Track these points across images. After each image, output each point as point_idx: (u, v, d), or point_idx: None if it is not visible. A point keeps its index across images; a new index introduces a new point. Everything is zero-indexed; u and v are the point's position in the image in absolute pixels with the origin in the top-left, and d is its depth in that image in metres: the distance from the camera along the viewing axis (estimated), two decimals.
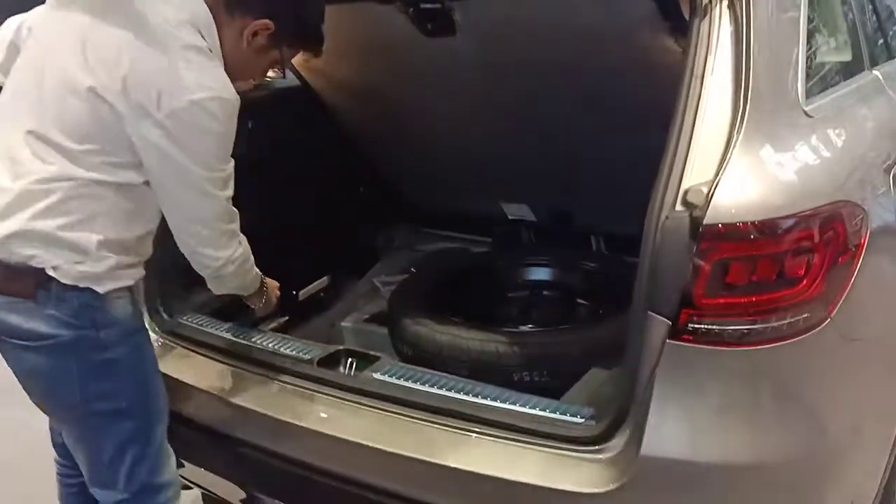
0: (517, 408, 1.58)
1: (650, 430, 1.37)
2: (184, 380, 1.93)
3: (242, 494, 1.96)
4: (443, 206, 2.98)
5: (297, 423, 1.73)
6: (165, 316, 2.13)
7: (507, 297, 2.57)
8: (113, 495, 1.73)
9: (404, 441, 1.61)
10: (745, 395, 1.39)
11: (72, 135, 1.55)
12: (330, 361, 1.88)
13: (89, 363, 1.62)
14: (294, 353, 1.91)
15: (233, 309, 2.13)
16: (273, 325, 2.29)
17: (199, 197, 1.61)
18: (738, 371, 1.38)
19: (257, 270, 1.95)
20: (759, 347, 1.35)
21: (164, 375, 1.86)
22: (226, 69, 1.62)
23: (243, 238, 1.79)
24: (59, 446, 1.97)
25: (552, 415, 1.55)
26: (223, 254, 1.72)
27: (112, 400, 1.66)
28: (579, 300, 2.50)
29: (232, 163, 1.64)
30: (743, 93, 1.40)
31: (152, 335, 2.05)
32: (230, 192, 1.66)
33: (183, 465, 1.92)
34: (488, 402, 1.62)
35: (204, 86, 1.53)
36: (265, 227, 2.34)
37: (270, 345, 1.97)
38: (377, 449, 1.61)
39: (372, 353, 1.92)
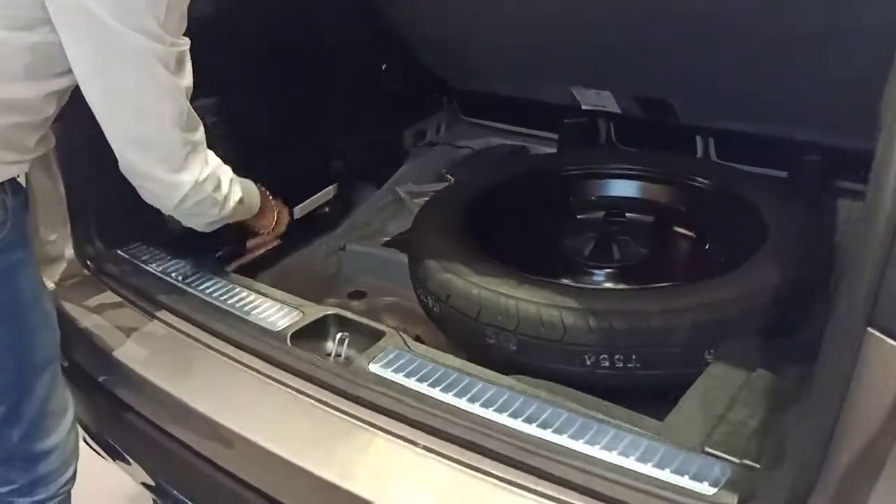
0: (596, 452, 0.98)
1: None
2: (94, 336, 1.41)
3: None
4: (492, 88, 2.29)
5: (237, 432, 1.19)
6: (99, 244, 1.59)
7: (576, 221, 1.91)
8: None
9: None
10: None
11: None
12: (310, 335, 1.31)
13: None
14: (260, 315, 1.34)
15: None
16: (250, 256, 1.73)
17: (145, 81, 1.18)
18: None
19: (250, 186, 1.53)
20: None
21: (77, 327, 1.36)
22: None
23: (212, 154, 1.36)
24: None
25: (656, 471, 0.95)
26: (184, 177, 1.28)
27: None
28: (680, 230, 1.84)
29: (187, 42, 1.23)
30: None
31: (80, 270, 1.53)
32: (188, 82, 1.25)
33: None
34: (550, 435, 1.03)
35: None
36: (246, 119, 1.75)
37: (229, 300, 1.40)
38: None
39: (375, 324, 1.34)
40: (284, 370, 1.23)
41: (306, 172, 1.90)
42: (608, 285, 1.68)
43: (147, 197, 1.31)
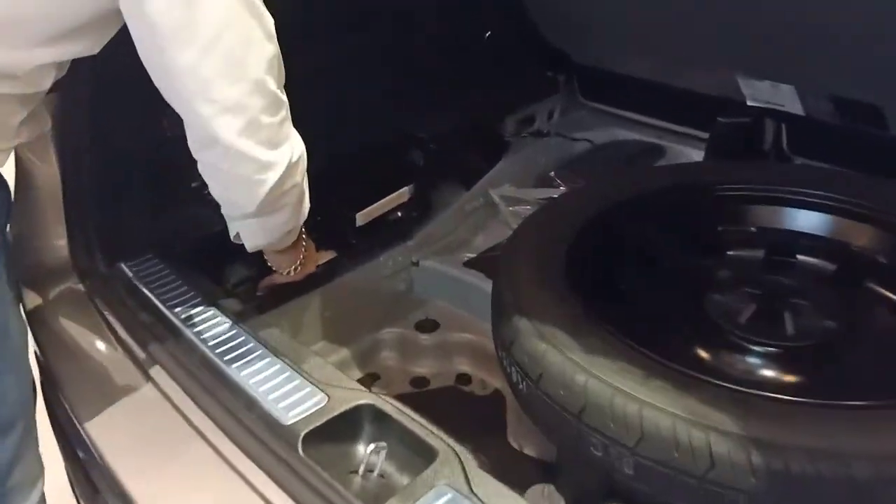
0: None
1: None
2: (66, 386, 1.09)
3: None
4: (625, 67, 1.81)
5: None
6: (99, 255, 1.26)
7: (726, 261, 1.40)
8: None
9: None
10: None
11: None
12: (334, 434, 0.93)
13: None
14: (269, 396, 0.97)
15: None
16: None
17: (238, 8, 0.94)
18: None
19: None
20: None
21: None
22: None
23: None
24: None
25: None
26: (280, 154, 1.03)
27: None
28: (881, 290, 1.30)
29: None
30: None
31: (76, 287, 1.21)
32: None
33: None
34: None
35: None
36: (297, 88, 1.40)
37: (236, 361, 1.04)
38: None
39: (426, 435, 0.94)
40: (288, 491, 0.86)
41: (374, 167, 1.51)
42: (779, 380, 1.16)
43: (225, 188, 1.05)
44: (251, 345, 1.07)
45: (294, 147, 1.05)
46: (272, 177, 1.00)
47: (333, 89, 1.42)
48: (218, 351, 1.05)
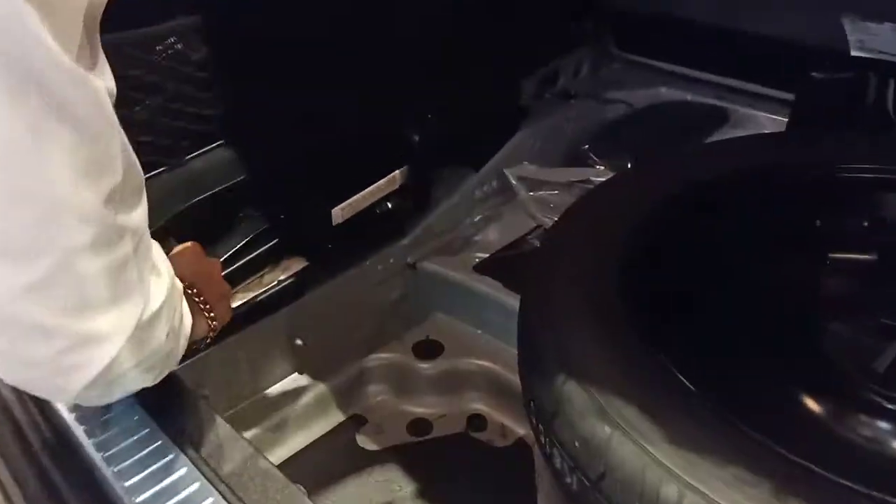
0: None
1: None
2: None
3: None
4: (671, 7, 1.44)
5: None
6: None
7: (833, 271, 1.04)
8: None
9: None
10: None
11: None
12: None
13: None
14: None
15: None
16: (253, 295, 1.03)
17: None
18: None
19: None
20: None
21: None
22: None
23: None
24: None
25: None
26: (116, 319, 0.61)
27: None
28: None
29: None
30: None
31: None
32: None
33: None
34: None
35: None
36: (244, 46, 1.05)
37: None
38: None
39: None
40: None
41: (357, 147, 1.15)
42: None
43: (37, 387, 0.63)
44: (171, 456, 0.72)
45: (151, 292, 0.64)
46: (101, 355, 0.60)
47: (300, 51, 1.06)
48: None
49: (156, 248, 0.70)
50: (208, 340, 0.88)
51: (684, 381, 0.79)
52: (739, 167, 1.10)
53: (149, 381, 0.69)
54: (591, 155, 1.37)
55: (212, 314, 0.85)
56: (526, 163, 1.38)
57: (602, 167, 1.36)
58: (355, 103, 1.11)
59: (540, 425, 0.83)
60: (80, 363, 0.59)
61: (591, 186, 1.29)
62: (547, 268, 0.95)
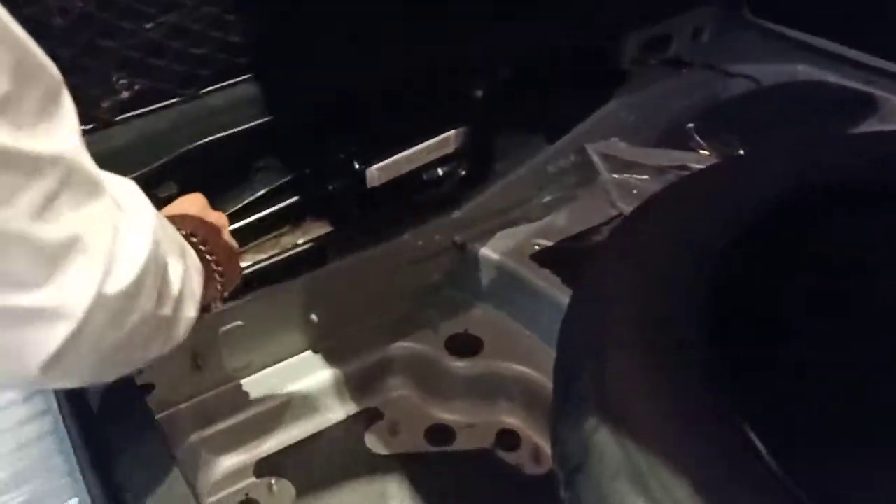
0: None
1: None
2: None
3: None
4: None
5: None
6: None
7: None
8: None
9: None
10: None
11: None
12: None
13: None
14: None
15: None
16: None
17: None
18: None
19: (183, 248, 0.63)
20: None
21: None
22: None
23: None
24: None
25: None
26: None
27: None
28: None
29: None
30: None
31: None
32: None
33: None
34: None
35: None
36: None
37: None
38: None
39: None
40: None
41: (403, 95, 0.97)
42: None
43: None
44: None
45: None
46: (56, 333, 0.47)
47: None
48: None
49: (125, 186, 0.56)
50: (217, 305, 0.75)
51: (767, 456, 0.59)
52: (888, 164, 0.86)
53: (151, 353, 0.57)
54: (696, 136, 1.13)
55: (222, 275, 0.72)
56: (615, 139, 1.16)
57: (706, 152, 1.13)
58: (405, 40, 0.94)
59: (561, 473, 0.65)
60: (29, 345, 0.46)
61: (686, 173, 1.08)
62: (603, 271, 0.76)
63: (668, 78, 1.25)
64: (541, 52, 1.08)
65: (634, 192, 1.11)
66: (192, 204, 0.77)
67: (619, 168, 1.15)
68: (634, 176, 1.13)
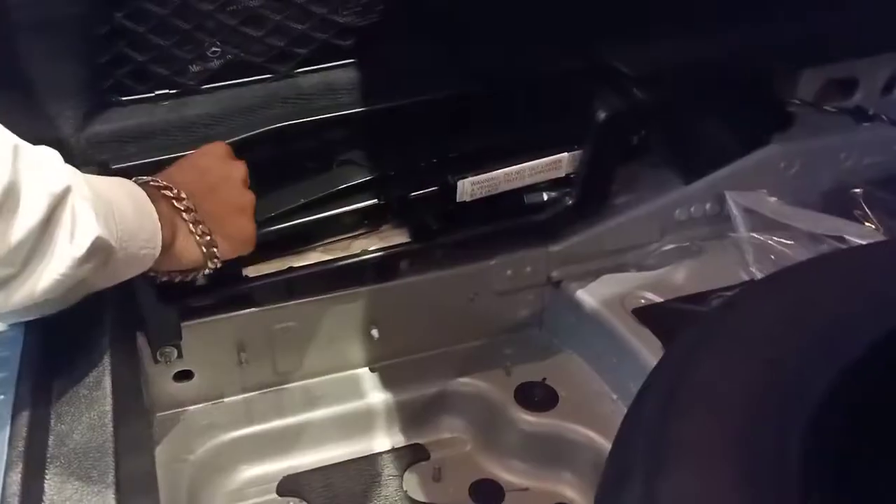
0: None
1: None
2: None
3: None
4: None
5: None
6: None
7: None
8: None
9: None
10: None
11: None
12: None
13: None
14: None
15: None
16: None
17: None
18: None
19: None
20: None
21: None
22: None
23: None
24: None
25: None
26: None
27: None
28: None
29: None
30: None
31: None
32: None
33: None
34: None
35: None
36: None
37: None
38: None
39: None
40: None
41: (511, 102, 0.86)
42: None
43: None
44: None
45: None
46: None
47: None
48: None
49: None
50: (206, 271, 0.69)
51: None
52: None
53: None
54: (863, 203, 0.94)
55: (207, 236, 0.67)
56: (763, 191, 1.00)
57: (871, 225, 0.94)
58: (536, 53, 0.82)
59: None
60: None
61: (842, 247, 0.89)
62: (697, 350, 0.62)
63: (844, 130, 1.06)
64: (690, 72, 0.94)
65: (773, 257, 0.94)
66: (205, 154, 0.74)
67: (761, 226, 0.98)
68: (778, 238, 0.96)
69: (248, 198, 0.73)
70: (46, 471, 0.45)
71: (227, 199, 0.70)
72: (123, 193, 0.58)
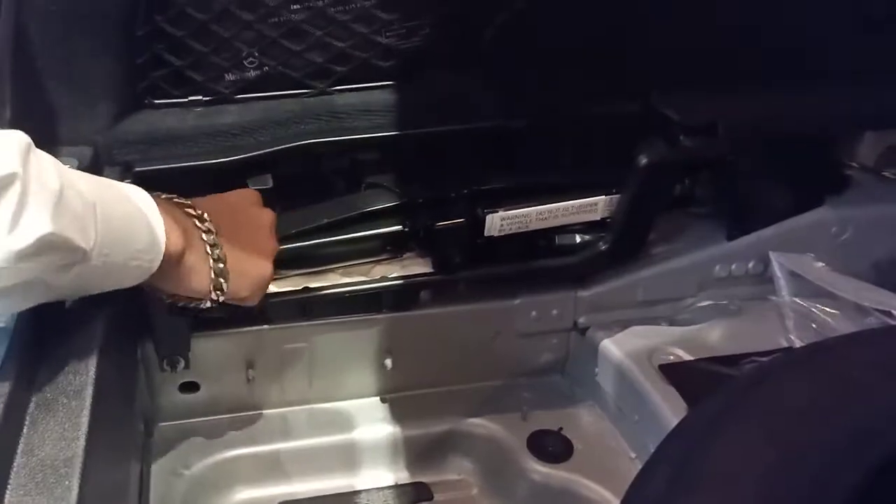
0: None
1: None
2: None
3: None
4: None
5: None
6: None
7: None
8: None
9: None
10: None
11: None
12: None
13: None
14: None
15: None
16: None
17: None
18: None
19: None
20: None
21: None
22: None
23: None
24: None
25: None
26: None
27: None
28: None
29: None
30: None
31: None
32: None
33: None
34: None
35: None
36: None
37: None
38: None
39: None
40: None
41: (554, 137, 0.83)
42: None
43: None
44: None
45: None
46: None
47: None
48: None
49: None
50: (207, 303, 0.67)
51: None
52: None
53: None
54: None
55: (220, 264, 0.65)
56: (810, 255, 0.95)
57: None
58: (571, 77, 0.80)
59: None
60: None
61: (889, 322, 0.84)
62: (715, 424, 0.58)
63: None
64: (744, 127, 0.90)
65: (814, 325, 0.89)
66: (237, 194, 0.74)
67: (805, 292, 0.93)
68: (822, 307, 0.91)
69: (273, 244, 0.73)
70: (9, 482, 0.44)
71: (252, 238, 0.70)
72: (116, 198, 0.56)
